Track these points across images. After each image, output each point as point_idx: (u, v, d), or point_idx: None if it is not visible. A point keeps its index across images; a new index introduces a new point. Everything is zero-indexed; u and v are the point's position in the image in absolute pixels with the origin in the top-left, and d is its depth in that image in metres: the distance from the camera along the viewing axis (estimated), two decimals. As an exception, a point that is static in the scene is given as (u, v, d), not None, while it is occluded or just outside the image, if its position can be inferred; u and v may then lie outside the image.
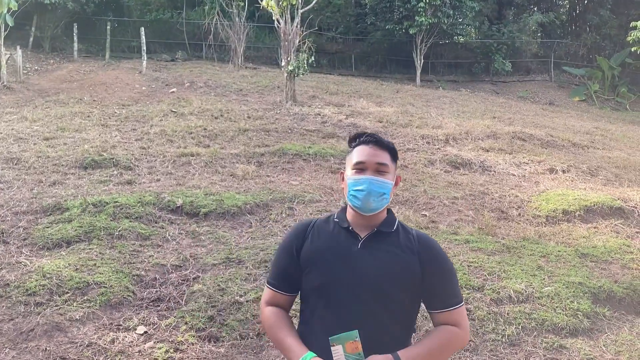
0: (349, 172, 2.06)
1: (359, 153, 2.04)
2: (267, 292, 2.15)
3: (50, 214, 5.73)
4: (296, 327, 2.10)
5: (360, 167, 2.02)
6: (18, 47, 14.72)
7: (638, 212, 6.95)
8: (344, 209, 2.12)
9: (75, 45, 18.19)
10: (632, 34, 18.61)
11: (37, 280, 4.28)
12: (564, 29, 26.46)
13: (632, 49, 19.24)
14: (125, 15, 21.85)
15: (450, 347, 2.02)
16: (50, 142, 8.49)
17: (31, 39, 18.23)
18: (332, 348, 1.85)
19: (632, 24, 18.77)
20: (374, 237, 2.03)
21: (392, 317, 1.97)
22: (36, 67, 16.18)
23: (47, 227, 5.36)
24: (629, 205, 7.07)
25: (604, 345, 4.11)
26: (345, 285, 1.96)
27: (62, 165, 7.42)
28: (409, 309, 2.04)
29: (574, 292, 4.72)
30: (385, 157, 2.04)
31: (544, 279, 4.93)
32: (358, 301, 1.94)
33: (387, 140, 2.09)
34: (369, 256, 1.99)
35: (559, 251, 5.70)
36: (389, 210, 2.14)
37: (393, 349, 1.89)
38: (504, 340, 4.06)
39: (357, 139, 2.09)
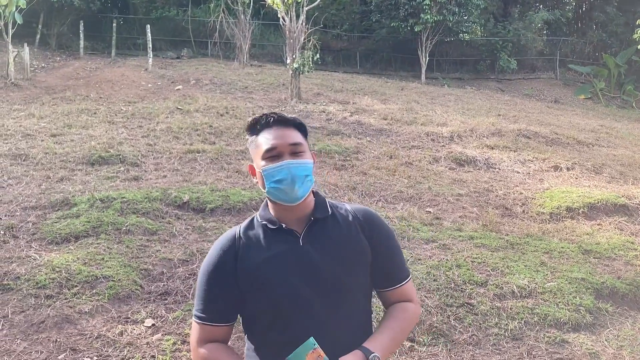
0: (260, 163, 1.76)
1: (266, 138, 1.77)
2: (198, 330, 1.78)
3: (59, 209, 5.79)
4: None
5: (272, 155, 1.74)
6: (25, 44, 14.81)
7: (642, 209, 6.97)
8: (265, 207, 1.84)
9: (82, 42, 18.29)
10: (638, 32, 18.54)
11: (46, 274, 4.35)
12: (570, 27, 26.38)
13: (639, 47, 19.19)
14: (131, 12, 21.95)
15: (410, 325, 1.90)
16: (57, 139, 8.56)
17: (38, 37, 18.35)
18: None
19: (639, 21, 18.70)
20: (312, 228, 1.78)
21: (355, 306, 1.80)
22: (43, 65, 16.28)
23: (56, 222, 5.43)
24: (633, 203, 7.09)
25: (606, 340, 4.15)
26: (299, 292, 1.71)
27: (70, 161, 7.49)
28: (367, 295, 1.87)
29: (576, 287, 4.76)
30: (296, 136, 1.80)
31: (547, 274, 4.97)
32: (317, 304, 1.71)
33: (290, 116, 1.84)
34: (315, 251, 1.74)
35: (562, 247, 5.74)
36: (315, 193, 1.87)
37: (360, 338, 1.74)
38: (506, 334, 4.11)
39: (257, 124, 1.81)
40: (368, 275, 1.84)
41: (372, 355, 1.67)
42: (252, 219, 1.86)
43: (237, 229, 1.85)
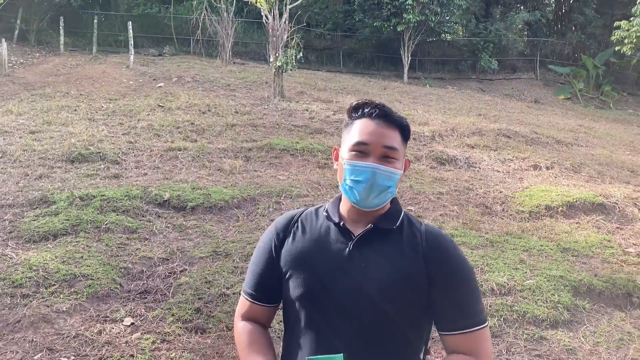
0: (345, 154, 1.60)
1: (362, 130, 1.58)
2: (242, 303, 1.76)
3: (37, 207, 5.72)
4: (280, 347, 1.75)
5: (361, 150, 1.56)
6: (3, 40, 14.56)
7: (619, 208, 7.08)
8: (338, 199, 1.70)
9: (62, 38, 18.03)
10: (615, 34, 18.84)
11: (23, 273, 4.29)
12: (550, 28, 26.70)
13: (616, 48, 19.50)
14: (112, 9, 21.70)
15: None
16: (36, 136, 8.45)
17: (16, 32, 18.05)
18: None
19: (616, 23, 19.01)
20: (369, 235, 1.60)
21: (392, 338, 1.56)
22: (22, 61, 16.03)
23: (34, 220, 5.36)
24: (610, 202, 7.20)
25: (583, 337, 4.21)
26: (332, 297, 1.56)
27: (49, 158, 7.39)
28: (415, 327, 1.61)
29: (555, 285, 4.82)
30: (395, 139, 1.58)
31: (526, 272, 5.03)
32: (348, 318, 1.54)
33: (398, 114, 1.63)
34: (361, 261, 1.57)
35: (541, 246, 5.81)
36: (393, 199, 1.68)
37: None
38: (486, 331, 4.14)
39: (359, 109, 1.62)
40: (421, 308, 1.58)
41: None
42: (321, 206, 1.74)
43: (298, 212, 1.75)
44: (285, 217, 1.74)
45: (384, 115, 1.59)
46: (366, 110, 1.60)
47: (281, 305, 1.74)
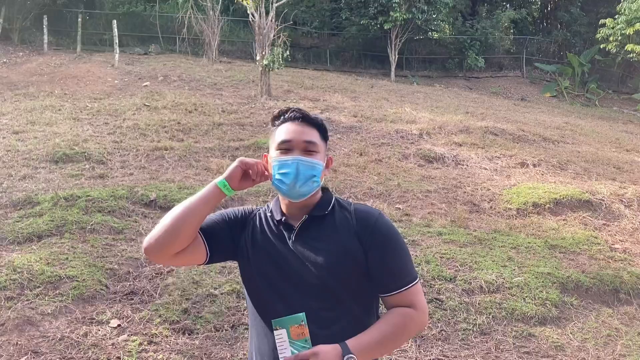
0: (273, 154, 1.80)
1: (285, 131, 1.78)
2: None
3: (21, 208, 5.64)
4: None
5: (285, 147, 1.76)
6: (-14, 39, 14.39)
7: (605, 204, 7.13)
8: (278, 198, 1.88)
9: (45, 37, 17.82)
10: (601, 32, 19.01)
11: (7, 275, 4.21)
12: (536, 26, 26.91)
13: (601, 46, 19.67)
14: (96, 7, 21.51)
15: (406, 331, 1.78)
16: (20, 136, 8.33)
17: (-1, 31, 17.84)
18: (274, 332, 1.68)
19: (601, 21, 19.17)
20: (307, 225, 1.79)
21: (343, 310, 1.75)
22: (4, 60, 15.83)
23: (18, 222, 5.28)
24: (596, 198, 7.24)
25: (571, 333, 4.23)
26: (278, 287, 1.75)
27: (33, 159, 7.29)
28: (364, 296, 1.80)
29: (543, 282, 4.84)
30: (313, 135, 1.80)
31: (514, 269, 5.04)
32: (298, 301, 1.71)
33: (315, 115, 1.85)
34: (303, 249, 1.75)
35: (529, 243, 5.83)
36: (324, 190, 1.88)
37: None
38: (475, 329, 4.15)
39: (281, 115, 1.83)
40: (363, 279, 1.76)
41: (348, 356, 1.64)
42: (267, 206, 1.90)
43: (257, 209, 1.92)
44: (250, 209, 1.93)
45: (302, 117, 1.80)
46: (287, 115, 1.81)
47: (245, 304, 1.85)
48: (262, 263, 1.78)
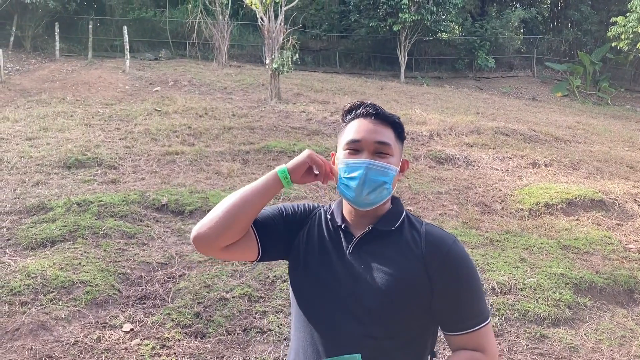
0: (340, 154, 1.61)
1: (354, 129, 1.58)
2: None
3: (34, 214, 5.69)
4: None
5: (354, 147, 1.57)
6: (-1, 46, 14.57)
7: (619, 204, 7.06)
8: (341, 201, 1.69)
9: (57, 44, 18.02)
10: (612, 30, 18.86)
11: (21, 280, 4.26)
12: (546, 25, 26.76)
13: (613, 44, 19.52)
14: (107, 14, 21.70)
15: None
16: (33, 142, 8.42)
17: (12, 39, 18.06)
18: None
19: (612, 19, 19.02)
20: (368, 237, 1.58)
21: (396, 342, 1.53)
22: (17, 67, 16.01)
23: (31, 227, 5.33)
24: (609, 198, 7.18)
25: (585, 335, 4.19)
26: (330, 301, 1.55)
27: (46, 165, 7.36)
28: (418, 331, 1.58)
29: (556, 283, 4.80)
30: (387, 135, 1.58)
31: (526, 270, 5.00)
32: (348, 322, 1.52)
33: (391, 113, 1.64)
34: (359, 265, 1.55)
35: (541, 243, 5.79)
36: (394, 200, 1.67)
37: None
38: (487, 331, 4.12)
39: (352, 110, 1.63)
40: (423, 311, 1.55)
41: None
42: (330, 206, 1.72)
43: (320, 207, 1.74)
44: (312, 205, 1.75)
45: (375, 113, 1.60)
46: (358, 111, 1.61)
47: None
48: (314, 271, 1.61)
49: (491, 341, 1.57)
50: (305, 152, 1.59)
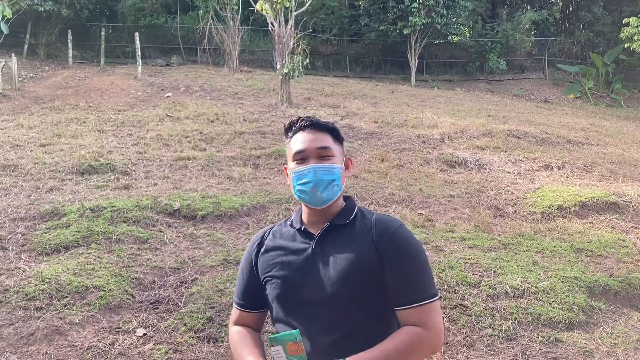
0: (291, 165, 1.82)
1: (297, 141, 1.81)
2: (233, 312, 1.97)
3: (48, 220, 5.75)
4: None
5: (301, 157, 1.79)
6: (13, 54, 14.73)
7: (633, 206, 7.00)
8: (301, 208, 1.90)
9: (70, 51, 18.20)
10: (624, 31, 18.72)
11: (36, 285, 4.30)
12: (558, 27, 26.57)
13: (625, 45, 19.36)
14: (119, 21, 21.89)
15: (412, 352, 1.66)
16: (46, 149, 8.51)
17: (26, 47, 18.27)
18: (271, 349, 1.70)
19: (625, 20, 18.88)
20: (327, 233, 1.80)
21: (355, 325, 1.71)
22: (31, 75, 16.19)
23: (45, 233, 5.39)
24: (623, 200, 7.11)
25: (599, 338, 4.15)
26: (301, 294, 1.75)
27: (59, 171, 7.44)
28: (379, 310, 1.75)
29: (569, 286, 4.76)
30: (326, 140, 1.81)
31: (539, 274, 4.97)
32: (316, 309, 1.72)
33: (325, 121, 1.87)
34: (323, 257, 1.76)
35: (554, 247, 5.74)
36: (347, 198, 1.90)
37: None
38: (500, 335, 4.10)
39: (292, 126, 1.86)
40: (378, 291, 1.73)
41: None
42: (288, 218, 1.95)
43: (270, 227, 1.97)
44: (259, 232, 1.98)
45: (312, 124, 1.82)
46: (297, 125, 1.84)
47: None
48: (282, 274, 1.81)
49: (435, 318, 1.70)
50: None
